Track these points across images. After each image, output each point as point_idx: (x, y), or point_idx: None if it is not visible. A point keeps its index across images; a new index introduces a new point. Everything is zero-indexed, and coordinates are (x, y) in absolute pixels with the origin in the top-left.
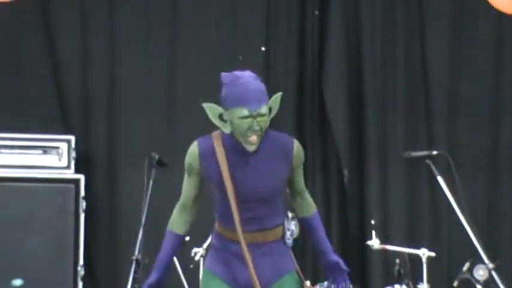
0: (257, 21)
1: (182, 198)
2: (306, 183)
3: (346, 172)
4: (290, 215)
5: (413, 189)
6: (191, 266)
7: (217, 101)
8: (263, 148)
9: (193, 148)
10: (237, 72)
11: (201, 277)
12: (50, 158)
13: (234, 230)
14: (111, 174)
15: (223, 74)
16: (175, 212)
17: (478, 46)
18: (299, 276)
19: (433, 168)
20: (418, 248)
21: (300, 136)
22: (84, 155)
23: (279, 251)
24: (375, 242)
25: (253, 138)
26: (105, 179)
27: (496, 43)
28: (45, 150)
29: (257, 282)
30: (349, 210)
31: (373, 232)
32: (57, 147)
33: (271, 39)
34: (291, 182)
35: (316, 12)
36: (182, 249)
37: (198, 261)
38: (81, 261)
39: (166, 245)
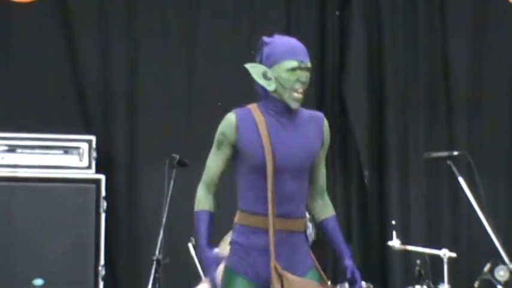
0: (277, 22)
1: (206, 176)
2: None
3: (366, 173)
4: (308, 216)
5: (434, 190)
6: None
7: (234, 99)
8: (299, 117)
9: (230, 116)
10: (279, 35)
11: (221, 273)
12: (71, 158)
13: (262, 215)
14: (131, 175)
15: (263, 37)
16: (201, 192)
17: (499, 46)
18: (320, 274)
19: (454, 168)
20: (439, 248)
21: None
22: (105, 155)
23: (302, 247)
24: (395, 243)
25: (300, 91)
26: (126, 179)
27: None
28: (66, 150)
29: (275, 276)
30: (370, 210)
31: (394, 232)
32: (78, 148)
33: (288, 34)
34: (314, 173)
35: (337, 13)
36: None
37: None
38: (102, 261)
39: (204, 224)
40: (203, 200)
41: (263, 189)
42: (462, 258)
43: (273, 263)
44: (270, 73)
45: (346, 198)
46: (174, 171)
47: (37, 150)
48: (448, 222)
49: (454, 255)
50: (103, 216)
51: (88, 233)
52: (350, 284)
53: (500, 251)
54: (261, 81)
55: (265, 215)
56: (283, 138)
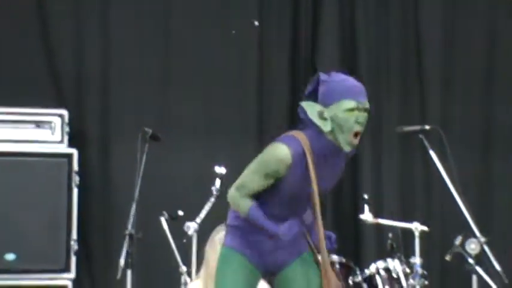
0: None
1: (244, 192)
2: None
3: None
4: None
5: (406, 164)
6: (184, 240)
7: (208, 75)
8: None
9: (285, 154)
10: (337, 73)
11: (219, 255)
12: (43, 132)
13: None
14: (104, 149)
15: (321, 74)
16: (239, 200)
17: (472, 20)
18: (314, 254)
19: (426, 142)
20: (411, 222)
21: (292, 110)
22: (78, 130)
23: (299, 236)
24: (367, 216)
25: (358, 132)
26: (98, 154)
27: (490, 17)
28: (39, 124)
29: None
30: (343, 184)
31: (366, 206)
32: (50, 122)
33: (264, 14)
34: None
35: None
36: (175, 223)
37: (191, 235)
38: (74, 236)
39: (261, 215)
40: (246, 202)
41: (290, 210)
42: (434, 231)
43: (325, 254)
44: (326, 113)
45: None
46: (147, 145)
47: (9, 125)
48: (420, 196)
49: (425, 228)
50: (75, 191)
51: (60, 207)
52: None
53: (471, 224)
54: (317, 121)
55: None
56: (324, 172)
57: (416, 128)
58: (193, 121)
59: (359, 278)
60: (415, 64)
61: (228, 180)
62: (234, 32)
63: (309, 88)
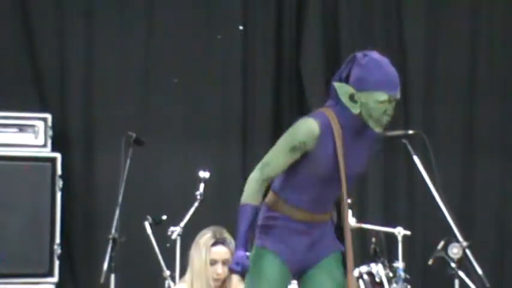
0: (234, 0)
1: (267, 172)
2: None
3: None
4: None
5: (390, 169)
6: (168, 245)
7: (192, 79)
8: (365, 130)
9: (313, 126)
10: (373, 55)
11: (252, 255)
12: (26, 136)
13: (310, 212)
14: (88, 153)
15: (357, 54)
16: (254, 183)
17: (455, 26)
18: (343, 256)
19: (409, 147)
20: (394, 226)
21: (277, 114)
22: (61, 134)
23: (328, 232)
24: (351, 221)
25: (387, 120)
26: (82, 158)
27: (473, 23)
28: (22, 128)
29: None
30: None
31: (349, 211)
32: (33, 126)
33: (248, 18)
34: None
35: None
36: (159, 228)
37: (175, 240)
38: (57, 240)
39: (245, 219)
40: (254, 194)
41: (321, 192)
42: (417, 236)
43: (351, 277)
44: (357, 96)
45: None
46: (131, 149)
47: None
48: (403, 201)
49: (408, 233)
50: (59, 194)
51: (44, 211)
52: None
53: (453, 229)
54: (347, 103)
55: (315, 213)
56: (353, 152)
57: (400, 132)
58: (177, 125)
59: None
60: (399, 67)
61: (211, 185)
62: (219, 36)
63: (345, 69)
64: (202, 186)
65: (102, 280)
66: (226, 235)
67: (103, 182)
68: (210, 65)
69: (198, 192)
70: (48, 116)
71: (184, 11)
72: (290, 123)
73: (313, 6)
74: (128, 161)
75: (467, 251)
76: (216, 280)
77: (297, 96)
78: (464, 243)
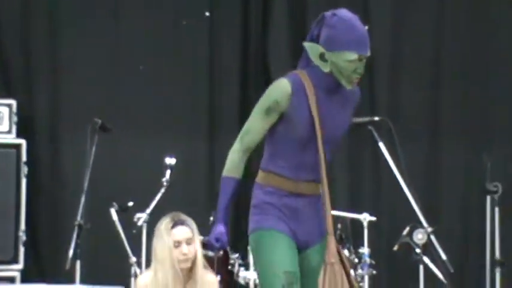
0: None
1: (247, 140)
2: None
3: None
4: None
5: (355, 155)
6: (134, 231)
7: (158, 65)
8: (341, 90)
9: (284, 84)
10: (342, 14)
11: (258, 239)
12: None
13: (297, 180)
14: (53, 139)
15: (326, 14)
16: (235, 155)
17: (420, 11)
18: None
19: (375, 134)
20: (360, 212)
21: (244, 100)
22: (26, 120)
23: (320, 210)
24: None
25: (358, 78)
26: (48, 144)
27: (438, 10)
28: None
29: (331, 229)
30: None
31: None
32: None
33: (215, 5)
34: None
35: None
36: (125, 214)
37: (141, 226)
38: (22, 227)
39: (226, 193)
40: (236, 166)
41: (302, 157)
42: (382, 222)
43: (332, 239)
44: (327, 56)
45: None
46: (97, 136)
47: None
48: (369, 187)
49: (374, 219)
50: (24, 181)
51: (9, 198)
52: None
53: (418, 215)
54: (317, 62)
55: (296, 180)
56: (329, 112)
57: (366, 119)
58: (144, 112)
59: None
60: None
61: (178, 171)
62: (185, 22)
63: (315, 29)
64: (168, 172)
65: (67, 267)
66: (185, 217)
67: (69, 168)
68: (177, 51)
69: (164, 179)
70: (13, 102)
71: None
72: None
73: None
74: (94, 148)
75: (432, 237)
76: (184, 262)
77: (264, 83)
78: (429, 229)
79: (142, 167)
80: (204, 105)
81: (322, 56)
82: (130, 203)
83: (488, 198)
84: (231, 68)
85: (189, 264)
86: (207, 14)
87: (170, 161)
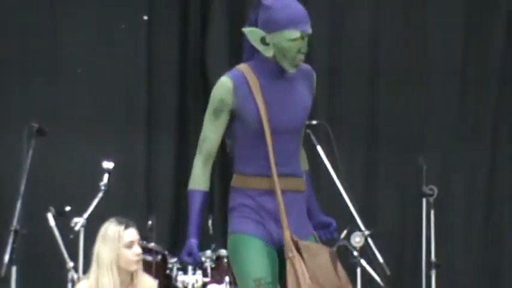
0: None
1: (205, 147)
2: (188, 151)
3: (228, 142)
4: None
5: None
6: (71, 236)
7: (96, 69)
8: (292, 74)
9: (225, 81)
10: None
11: (233, 243)
12: None
13: (266, 176)
14: None
15: None
16: (198, 166)
17: (357, 17)
18: (315, 239)
19: (313, 137)
20: None
21: (182, 104)
22: None
23: (303, 208)
24: None
25: (301, 59)
26: None
27: (374, 14)
28: None
29: (289, 238)
30: (229, 181)
31: None
32: None
33: (153, 8)
34: None
35: None
36: (62, 219)
37: (79, 231)
38: None
39: (194, 206)
40: (199, 178)
41: (264, 151)
42: None
43: (288, 232)
44: (268, 38)
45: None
46: (33, 139)
47: None
48: None
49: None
50: None
51: None
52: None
53: (356, 218)
54: (259, 47)
55: (269, 175)
56: (279, 99)
57: None
58: (82, 115)
59: None
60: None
61: (116, 176)
62: (123, 26)
63: (253, 15)
64: (106, 176)
65: (2, 273)
66: (129, 221)
67: (4, 172)
68: (115, 55)
69: (102, 183)
70: None
71: (89, 0)
72: (195, 114)
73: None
74: (31, 151)
75: (369, 240)
76: (137, 262)
77: (202, 87)
78: (366, 232)
79: (80, 171)
80: (142, 108)
81: (263, 40)
82: (68, 208)
83: (424, 201)
84: (169, 71)
85: (140, 266)
86: (145, 17)
87: (108, 165)
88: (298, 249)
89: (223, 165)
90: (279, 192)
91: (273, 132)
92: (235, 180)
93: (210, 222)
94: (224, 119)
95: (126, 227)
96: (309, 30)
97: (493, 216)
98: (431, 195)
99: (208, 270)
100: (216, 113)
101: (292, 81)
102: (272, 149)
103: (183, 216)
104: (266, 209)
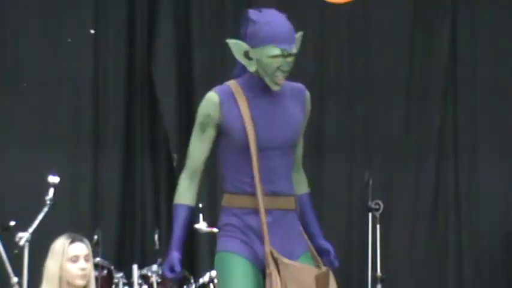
0: (85, 3)
1: (190, 163)
2: (134, 165)
3: (175, 156)
4: None
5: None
6: (16, 251)
7: (42, 83)
8: (282, 91)
9: (212, 96)
10: (266, 10)
11: (219, 262)
12: None
13: (251, 194)
14: None
15: (250, 11)
16: (183, 181)
17: (304, 28)
18: (313, 257)
19: None
20: None
21: (129, 119)
22: None
23: (294, 227)
24: (202, 225)
25: (281, 78)
26: None
27: (320, 29)
28: None
29: (270, 257)
30: None
31: (201, 215)
32: None
33: (100, 22)
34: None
35: None
36: (6, 233)
37: (23, 246)
38: None
39: (177, 221)
40: (185, 192)
41: (249, 167)
42: None
43: (267, 248)
44: (251, 53)
45: (155, 182)
46: None
47: None
48: None
49: None
50: None
51: None
52: (327, 260)
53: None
54: (242, 61)
55: (254, 194)
56: (266, 116)
57: None
58: (27, 130)
59: (193, 287)
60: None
61: (62, 190)
62: (69, 40)
63: (242, 28)
64: (52, 191)
65: None
66: (82, 236)
67: None
68: (61, 69)
69: (47, 197)
70: None
71: (34, 13)
72: (142, 129)
73: (164, 9)
74: None
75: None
76: (81, 277)
77: (148, 103)
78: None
79: (25, 186)
80: (88, 121)
81: (247, 54)
82: (12, 222)
83: (370, 215)
84: (116, 85)
85: (85, 282)
86: (92, 31)
87: (54, 179)
88: (277, 266)
89: (170, 180)
90: (262, 210)
91: (259, 148)
92: (224, 199)
93: (156, 237)
94: (210, 134)
95: (72, 242)
96: (292, 50)
97: (437, 230)
98: (377, 209)
99: (154, 286)
100: (203, 127)
101: (281, 98)
102: (258, 165)
103: (129, 231)
104: (251, 228)
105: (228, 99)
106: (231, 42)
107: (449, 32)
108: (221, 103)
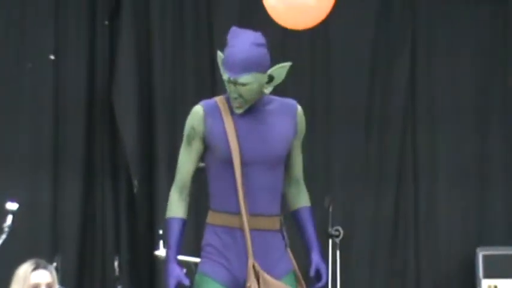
0: (46, 29)
1: (179, 176)
2: (95, 191)
3: (135, 182)
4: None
5: (202, 199)
6: None
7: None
8: (270, 107)
9: (197, 109)
10: (237, 31)
11: (196, 284)
12: None
13: (232, 213)
14: None
15: (232, 29)
16: (173, 196)
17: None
18: (297, 278)
19: None
20: None
21: (89, 145)
22: None
23: (277, 247)
24: (162, 252)
25: (235, 103)
26: None
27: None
28: None
29: (252, 276)
30: (139, 220)
31: (161, 242)
32: None
33: (60, 48)
34: (288, 161)
35: (106, 22)
36: None
37: None
38: None
39: (174, 234)
40: (175, 206)
41: (232, 184)
42: None
43: (251, 261)
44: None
45: (115, 208)
46: None
47: None
48: None
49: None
50: None
51: None
52: (316, 280)
53: None
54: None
55: (236, 213)
56: (251, 130)
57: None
58: None
59: None
60: (211, 85)
61: (20, 216)
62: (30, 65)
63: None
64: (10, 218)
65: None
66: (47, 263)
67: None
68: (20, 94)
69: (5, 225)
70: None
71: None
72: (102, 155)
73: (125, 37)
74: None
75: None
76: None
77: (109, 127)
78: None
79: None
80: (47, 147)
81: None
82: None
83: (330, 241)
84: (76, 108)
85: None
86: (52, 57)
87: (12, 206)
88: (258, 279)
89: (131, 207)
90: (246, 225)
91: (243, 162)
92: (208, 217)
93: (116, 263)
94: (197, 147)
95: (35, 269)
96: (238, 79)
97: (396, 257)
98: (337, 236)
99: None
100: (189, 140)
101: (268, 114)
102: (241, 180)
103: (89, 256)
104: (232, 248)
105: (213, 113)
106: (219, 54)
107: (408, 61)
108: (205, 116)
